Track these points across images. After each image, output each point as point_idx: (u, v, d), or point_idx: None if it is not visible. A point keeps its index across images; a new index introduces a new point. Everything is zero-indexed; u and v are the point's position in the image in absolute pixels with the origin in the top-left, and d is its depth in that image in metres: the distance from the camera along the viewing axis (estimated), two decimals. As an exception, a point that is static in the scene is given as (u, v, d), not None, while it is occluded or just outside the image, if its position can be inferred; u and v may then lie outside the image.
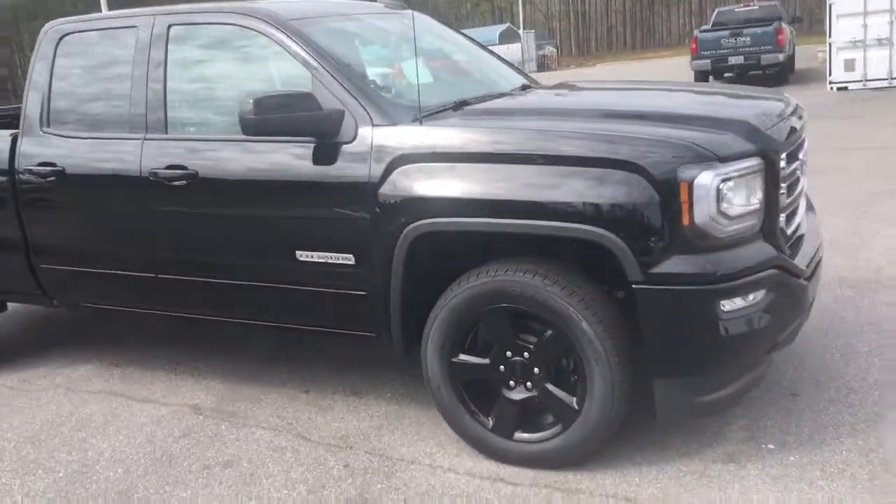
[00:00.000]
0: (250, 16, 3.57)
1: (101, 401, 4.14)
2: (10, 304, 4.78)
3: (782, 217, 3.05)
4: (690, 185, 2.74)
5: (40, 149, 3.99)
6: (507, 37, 46.05)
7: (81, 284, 4.15)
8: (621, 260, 2.81)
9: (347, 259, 3.30)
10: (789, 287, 3.00)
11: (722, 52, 18.24)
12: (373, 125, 3.22)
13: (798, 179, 3.35)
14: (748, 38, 17.94)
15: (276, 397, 4.00)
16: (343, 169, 3.24)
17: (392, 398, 3.86)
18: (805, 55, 21.71)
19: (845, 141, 9.91)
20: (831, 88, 15.89)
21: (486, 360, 3.16)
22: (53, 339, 5.13)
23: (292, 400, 3.95)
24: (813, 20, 45.44)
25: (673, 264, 2.77)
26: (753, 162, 2.87)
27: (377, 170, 3.16)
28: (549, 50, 47.86)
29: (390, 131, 3.20)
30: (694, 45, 18.97)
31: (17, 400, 4.24)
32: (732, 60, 18.10)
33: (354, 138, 3.23)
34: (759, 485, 2.93)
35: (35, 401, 4.22)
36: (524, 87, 4.24)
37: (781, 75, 18.35)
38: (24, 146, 4.04)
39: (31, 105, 4.05)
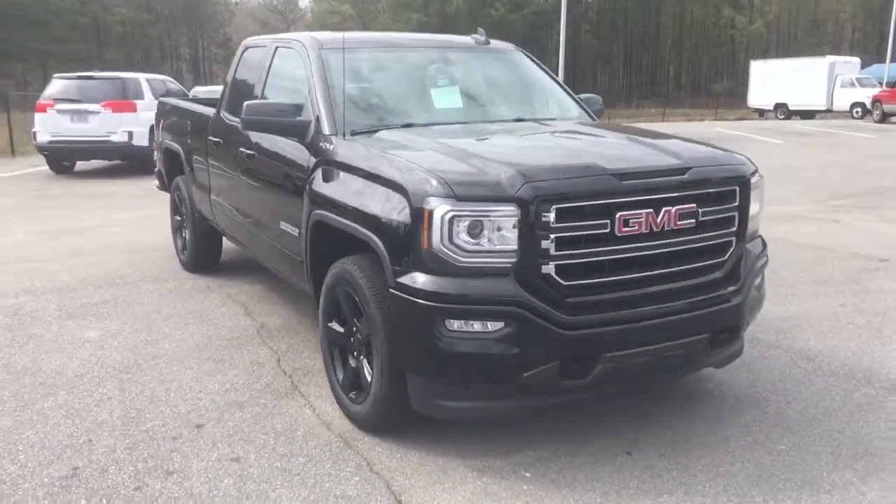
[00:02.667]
0: (300, 41, 4.79)
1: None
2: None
3: (551, 265, 3.22)
4: (431, 213, 3.20)
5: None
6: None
7: (217, 213, 5.94)
8: (383, 264, 3.40)
9: (295, 231, 4.35)
10: (536, 328, 3.20)
11: None
12: (322, 134, 4.20)
13: (638, 237, 3.36)
14: None
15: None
16: (300, 161, 4.29)
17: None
18: None
19: None
20: None
21: (343, 330, 3.95)
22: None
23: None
24: None
25: (412, 278, 3.27)
26: (502, 207, 3.17)
27: (312, 166, 4.15)
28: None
29: (326, 140, 4.13)
30: None
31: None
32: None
33: (311, 142, 4.23)
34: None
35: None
36: (518, 120, 4.66)
37: None
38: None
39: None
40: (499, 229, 3.18)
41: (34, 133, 14.30)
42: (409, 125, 4.32)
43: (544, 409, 3.84)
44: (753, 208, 3.87)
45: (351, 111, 4.30)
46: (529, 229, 3.17)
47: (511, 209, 3.16)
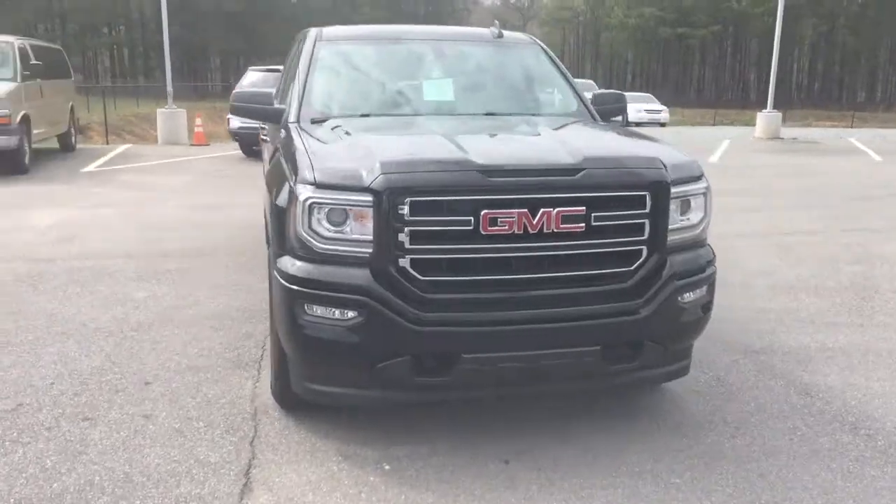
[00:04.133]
0: (309, 33, 5.02)
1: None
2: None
3: (406, 258, 3.19)
4: (297, 199, 3.30)
5: None
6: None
7: None
8: (270, 247, 3.55)
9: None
10: (385, 320, 3.19)
11: None
12: (286, 121, 4.41)
13: (517, 236, 3.22)
14: None
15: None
16: (275, 141, 4.52)
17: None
18: None
19: None
20: None
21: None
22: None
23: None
24: None
25: (284, 262, 3.39)
26: (357, 197, 3.18)
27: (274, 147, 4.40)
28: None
29: (285, 126, 4.33)
30: None
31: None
32: None
33: (282, 126, 4.46)
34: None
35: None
36: (488, 115, 4.54)
37: None
38: None
39: None
40: (356, 219, 3.21)
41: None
42: (366, 115, 4.39)
43: (453, 406, 3.82)
44: (688, 217, 3.55)
45: (320, 100, 4.47)
46: (385, 221, 3.16)
47: (366, 199, 3.17)
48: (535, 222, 3.21)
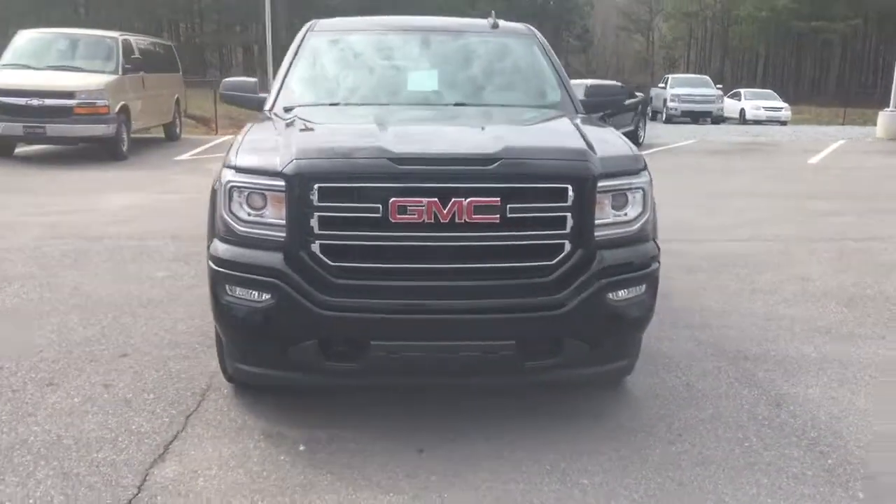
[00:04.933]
0: (310, 23, 5.14)
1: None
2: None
3: (317, 244, 3.23)
4: (221, 182, 3.41)
5: None
6: None
7: None
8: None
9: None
10: (294, 303, 3.24)
11: None
12: (265, 109, 4.53)
13: (421, 225, 3.19)
14: None
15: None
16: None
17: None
18: None
19: None
20: None
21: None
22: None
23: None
24: None
25: (213, 244, 3.50)
26: (269, 181, 3.25)
27: None
28: None
29: (263, 114, 4.45)
30: None
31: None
32: None
33: (263, 112, 4.57)
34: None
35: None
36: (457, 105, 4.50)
37: None
38: None
39: None
40: (272, 204, 3.28)
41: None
42: (335, 104, 4.46)
43: (396, 394, 3.86)
44: (625, 212, 3.43)
45: (297, 89, 4.58)
46: (296, 206, 3.22)
47: (279, 184, 3.24)
48: (445, 212, 3.18)
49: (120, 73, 13.71)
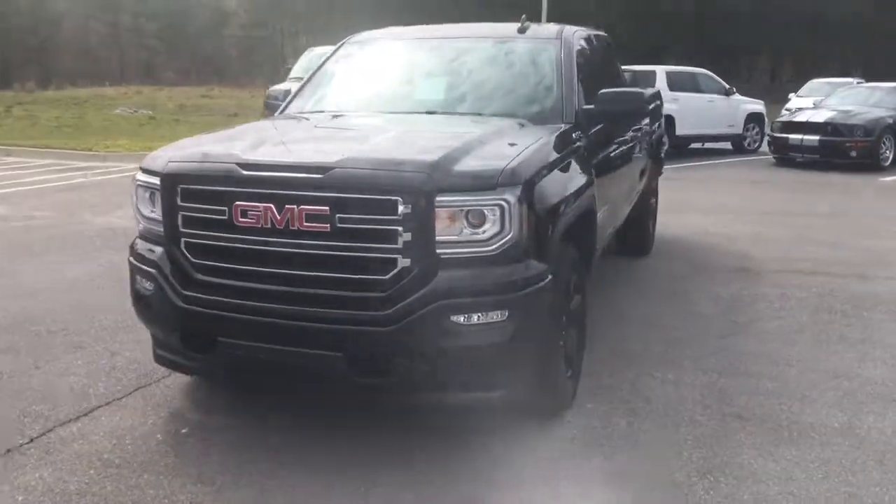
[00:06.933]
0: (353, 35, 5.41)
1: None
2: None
3: (182, 241, 3.47)
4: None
5: None
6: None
7: None
8: None
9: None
10: (163, 294, 3.51)
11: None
12: (278, 111, 4.89)
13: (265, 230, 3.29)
14: None
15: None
16: None
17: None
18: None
19: None
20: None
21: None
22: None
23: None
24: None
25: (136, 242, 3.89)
26: (152, 180, 3.58)
27: None
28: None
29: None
30: None
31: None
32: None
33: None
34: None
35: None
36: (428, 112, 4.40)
37: None
38: None
39: None
40: (158, 202, 3.59)
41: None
42: (320, 112, 4.70)
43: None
44: (482, 231, 3.18)
45: (309, 97, 4.89)
46: (166, 205, 3.51)
47: (156, 183, 3.55)
48: (280, 218, 3.23)
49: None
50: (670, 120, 15.50)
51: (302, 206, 3.20)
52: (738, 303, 5.80)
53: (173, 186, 3.45)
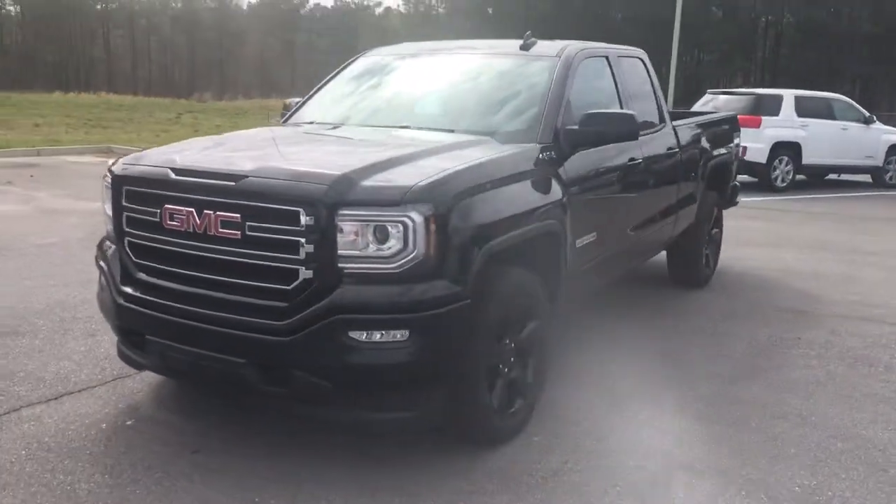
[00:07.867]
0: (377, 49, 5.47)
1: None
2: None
3: (126, 240, 3.61)
4: None
5: None
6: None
7: None
8: None
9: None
10: (107, 292, 3.70)
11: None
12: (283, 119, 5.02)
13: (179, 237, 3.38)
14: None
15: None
16: None
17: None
18: None
19: None
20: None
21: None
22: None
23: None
24: None
25: None
26: (108, 179, 3.74)
27: None
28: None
29: None
30: None
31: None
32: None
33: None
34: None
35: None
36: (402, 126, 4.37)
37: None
38: None
39: None
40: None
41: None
42: (311, 122, 4.74)
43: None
44: (387, 247, 3.10)
45: (311, 109, 4.96)
46: (114, 205, 3.68)
47: (108, 184, 3.73)
48: (199, 222, 3.30)
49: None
50: (796, 148, 14.56)
51: (218, 213, 3.25)
52: (776, 346, 5.32)
53: (120, 187, 3.60)
